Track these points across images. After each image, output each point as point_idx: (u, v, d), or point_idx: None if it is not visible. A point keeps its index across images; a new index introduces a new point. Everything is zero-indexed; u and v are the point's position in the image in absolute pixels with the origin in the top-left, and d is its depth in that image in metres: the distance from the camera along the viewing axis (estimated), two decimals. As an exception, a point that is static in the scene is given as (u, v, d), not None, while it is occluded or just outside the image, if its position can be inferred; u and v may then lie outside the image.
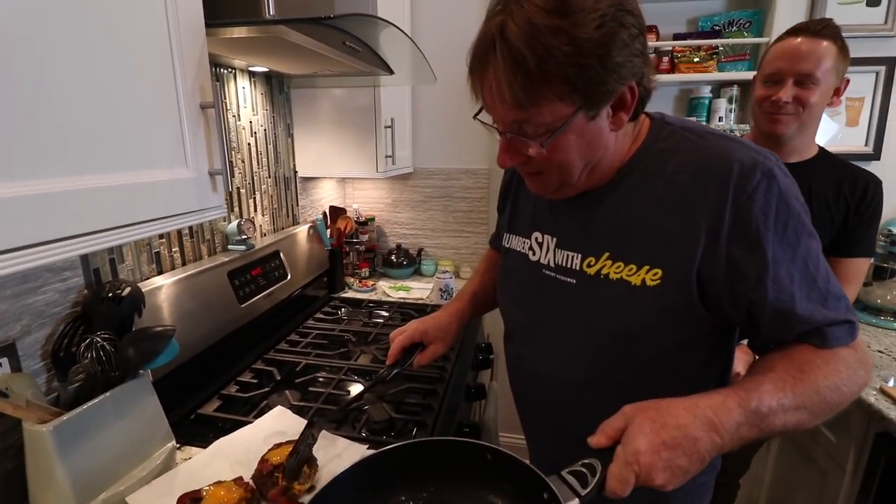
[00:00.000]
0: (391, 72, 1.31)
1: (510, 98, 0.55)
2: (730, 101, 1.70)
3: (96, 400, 0.74)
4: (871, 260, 1.18)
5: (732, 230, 0.56)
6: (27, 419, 0.68)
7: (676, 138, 0.63)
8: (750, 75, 1.62)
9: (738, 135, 1.60)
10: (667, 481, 0.48)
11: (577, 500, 0.47)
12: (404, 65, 1.33)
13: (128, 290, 0.88)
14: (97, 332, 0.79)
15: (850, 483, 1.15)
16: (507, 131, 0.60)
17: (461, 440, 0.60)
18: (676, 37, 1.71)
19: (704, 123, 0.71)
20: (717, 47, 1.66)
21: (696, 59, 1.67)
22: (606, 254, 0.65)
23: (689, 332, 0.62)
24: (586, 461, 0.49)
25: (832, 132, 1.75)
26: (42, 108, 0.49)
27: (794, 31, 1.10)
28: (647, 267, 0.61)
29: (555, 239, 0.72)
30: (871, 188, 1.10)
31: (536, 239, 0.75)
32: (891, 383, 1.13)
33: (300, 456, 0.73)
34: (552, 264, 0.72)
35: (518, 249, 0.79)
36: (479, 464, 0.56)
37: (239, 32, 0.88)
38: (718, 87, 1.74)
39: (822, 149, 1.19)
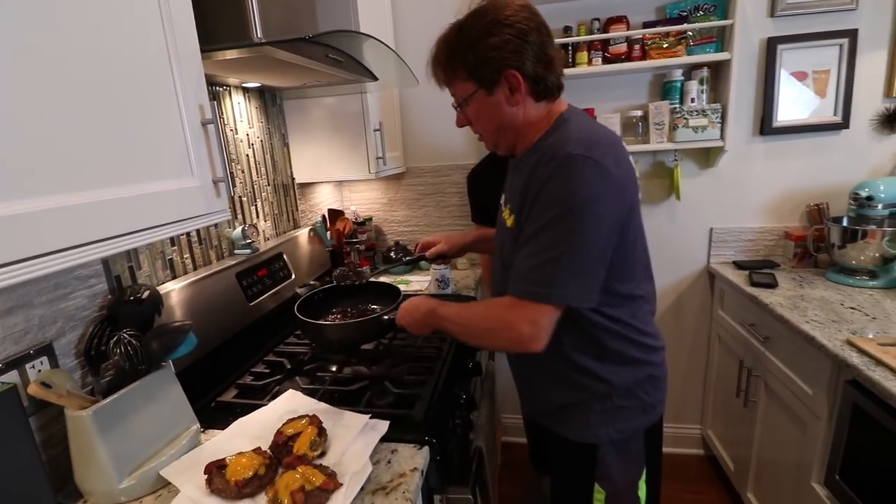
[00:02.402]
0: (375, 78, 1.40)
1: (440, 78, 0.92)
2: (700, 82, 1.77)
3: (127, 388, 0.84)
4: None
5: (532, 200, 0.81)
6: (69, 406, 0.78)
7: (561, 129, 0.87)
8: (718, 56, 1.70)
9: (711, 114, 1.69)
10: (408, 324, 1.01)
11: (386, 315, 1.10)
12: (387, 71, 1.42)
13: (147, 292, 0.97)
14: (123, 330, 0.89)
15: (826, 429, 1.22)
16: (454, 101, 0.94)
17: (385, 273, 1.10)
18: (646, 25, 1.78)
19: (598, 122, 0.86)
20: (685, 32, 1.74)
21: (665, 45, 1.74)
22: (510, 206, 0.93)
23: None
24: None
25: (813, 106, 1.81)
26: (72, 137, 0.59)
27: None
28: (513, 215, 0.90)
29: (505, 197, 1.00)
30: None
31: (504, 201, 1.00)
32: (870, 335, 1.21)
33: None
34: (504, 218, 0.97)
35: (500, 212, 1.03)
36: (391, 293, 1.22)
37: (231, 54, 0.97)
38: (689, 70, 1.82)
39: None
